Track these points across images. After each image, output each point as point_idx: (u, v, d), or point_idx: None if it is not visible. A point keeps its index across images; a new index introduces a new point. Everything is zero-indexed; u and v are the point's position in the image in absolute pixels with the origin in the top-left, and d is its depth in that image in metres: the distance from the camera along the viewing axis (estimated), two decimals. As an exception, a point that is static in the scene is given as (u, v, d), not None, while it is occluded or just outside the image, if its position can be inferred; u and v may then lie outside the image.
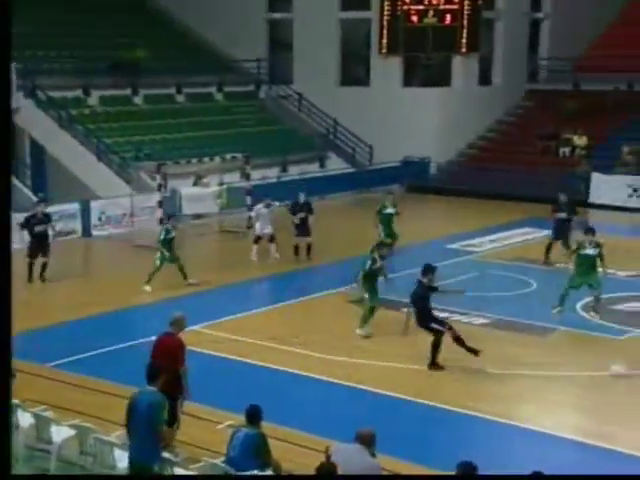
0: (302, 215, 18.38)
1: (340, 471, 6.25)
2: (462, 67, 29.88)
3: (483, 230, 21.71)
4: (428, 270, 11.98)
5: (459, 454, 6.97)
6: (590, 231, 14.50)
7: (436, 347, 11.67)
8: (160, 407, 7.09)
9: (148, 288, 15.63)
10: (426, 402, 10.56)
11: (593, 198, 25.28)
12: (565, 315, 14.19)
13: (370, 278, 13.32)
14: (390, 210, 18.73)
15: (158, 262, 15.79)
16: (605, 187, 25.19)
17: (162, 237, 15.87)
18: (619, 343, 12.99)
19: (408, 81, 30.54)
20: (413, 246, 20.18)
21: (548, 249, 17.98)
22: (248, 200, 21.70)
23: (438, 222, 23.87)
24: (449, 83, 30.02)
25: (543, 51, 32.47)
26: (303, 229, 18.45)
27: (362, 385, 11.10)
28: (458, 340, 11.67)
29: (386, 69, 30.03)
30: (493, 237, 21.04)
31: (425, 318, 11.87)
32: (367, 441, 6.56)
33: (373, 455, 6.69)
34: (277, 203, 19.09)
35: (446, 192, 26.72)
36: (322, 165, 28.82)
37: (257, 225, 18.63)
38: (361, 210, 25.91)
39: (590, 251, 14.19)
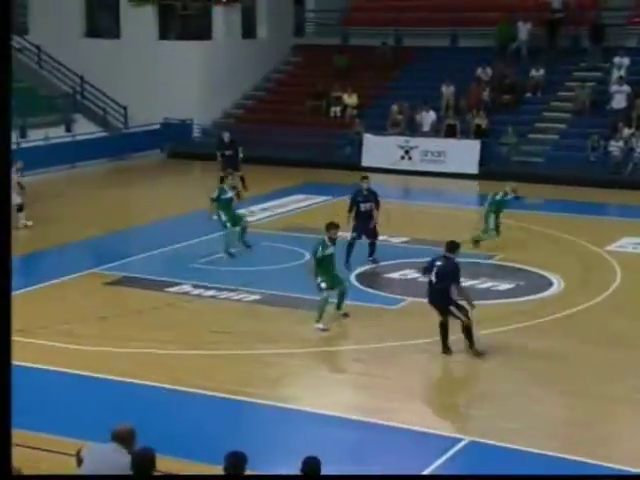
0: (229, 153, 22.91)
1: (93, 472, 6.21)
2: (223, 18, 30.02)
3: (254, 198, 22.09)
4: (455, 246, 12.08)
5: (230, 444, 7.14)
6: None
7: (468, 332, 11.82)
8: None
9: None
10: (188, 390, 10.67)
11: (365, 161, 26.47)
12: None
13: (322, 264, 13.09)
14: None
15: None
16: (376, 149, 26.47)
17: None
18: (394, 312, 13.82)
19: (164, 33, 30.21)
20: (176, 218, 20.17)
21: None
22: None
23: (203, 191, 23.92)
24: (210, 36, 30.06)
25: (310, 3, 33.34)
26: (232, 163, 22.02)
27: (120, 376, 11.02)
28: (467, 331, 11.86)
29: (139, 19, 29.51)
30: (265, 205, 21.45)
31: (449, 299, 11.83)
32: (125, 439, 6.56)
33: (134, 454, 6.70)
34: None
35: (211, 157, 26.82)
36: (68, 129, 27.87)
37: None
38: (119, 178, 25.50)
39: None
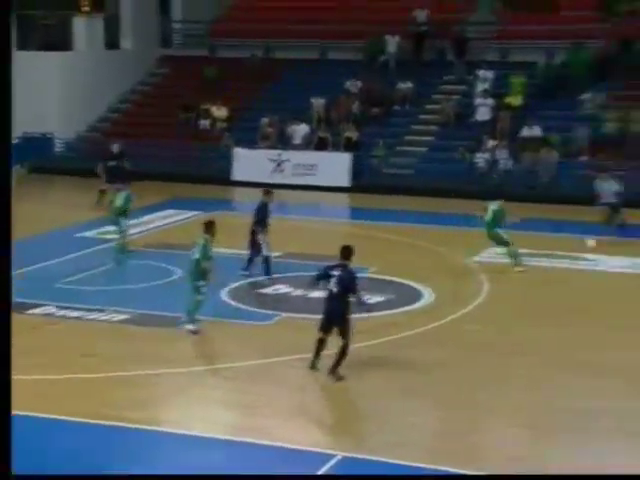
0: (113, 164, 22.71)
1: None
2: (85, 29, 29.55)
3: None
4: (352, 252, 11.84)
5: (102, 470, 7.08)
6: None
7: (344, 354, 11.67)
8: None
9: None
10: (57, 416, 10.46)
11: (236, 174, 26.55)
12: (212, 303, 14.84)
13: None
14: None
15: None
16: (247, 162, 26.59)
17: None
18: (267, 328, 13.94)
19: (23, 43, 29.48)
20: (38, 237, 19.70)
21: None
22: None
23: (67, 207, 23.50)
24: (71, 46, 29.54)
25: (176, 13, 33.22)
26: (119, 176, 21.42)
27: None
28: (344, 352, 11.69)
29: (-5, 28, 28.69)
30: (133, 222, 21.23)
31: (348, 310, 11.62)
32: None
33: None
34: None
35: (76, 172, 26.34)
36: None
37: None
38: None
39: None
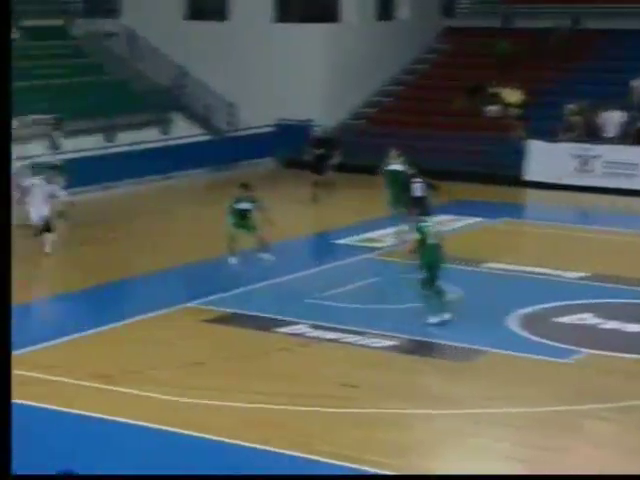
0: (320, 152, 23.78)
1: None
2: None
3: (387, 219, 22.02)
4: None
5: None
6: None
7: None
8: None
9: None
10: (313, 457, 10.62)
11: (530, 173, 26.12)
12: (496, 332, 14.60)
13: None
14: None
15: None
16: (545, 159, 26.08)
17: None
18: (565, 367, 13.50)
19: (283, 15, 30.66)
20: (291, 243, 20.30)
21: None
22: (60, 181, 21.42)
23: (325, 209, 24.08)
24: (338, 17, 30.32)
25: (463, -24, 33.33)
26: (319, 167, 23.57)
27: (220, 436, 11.11)
28: None
29: (252, -3, 30.13)
30: (397, 230, 21.40)
31: None
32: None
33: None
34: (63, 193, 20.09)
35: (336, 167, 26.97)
36: (165, 131, 28.60)
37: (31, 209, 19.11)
38: (223, 191, 25.94)
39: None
